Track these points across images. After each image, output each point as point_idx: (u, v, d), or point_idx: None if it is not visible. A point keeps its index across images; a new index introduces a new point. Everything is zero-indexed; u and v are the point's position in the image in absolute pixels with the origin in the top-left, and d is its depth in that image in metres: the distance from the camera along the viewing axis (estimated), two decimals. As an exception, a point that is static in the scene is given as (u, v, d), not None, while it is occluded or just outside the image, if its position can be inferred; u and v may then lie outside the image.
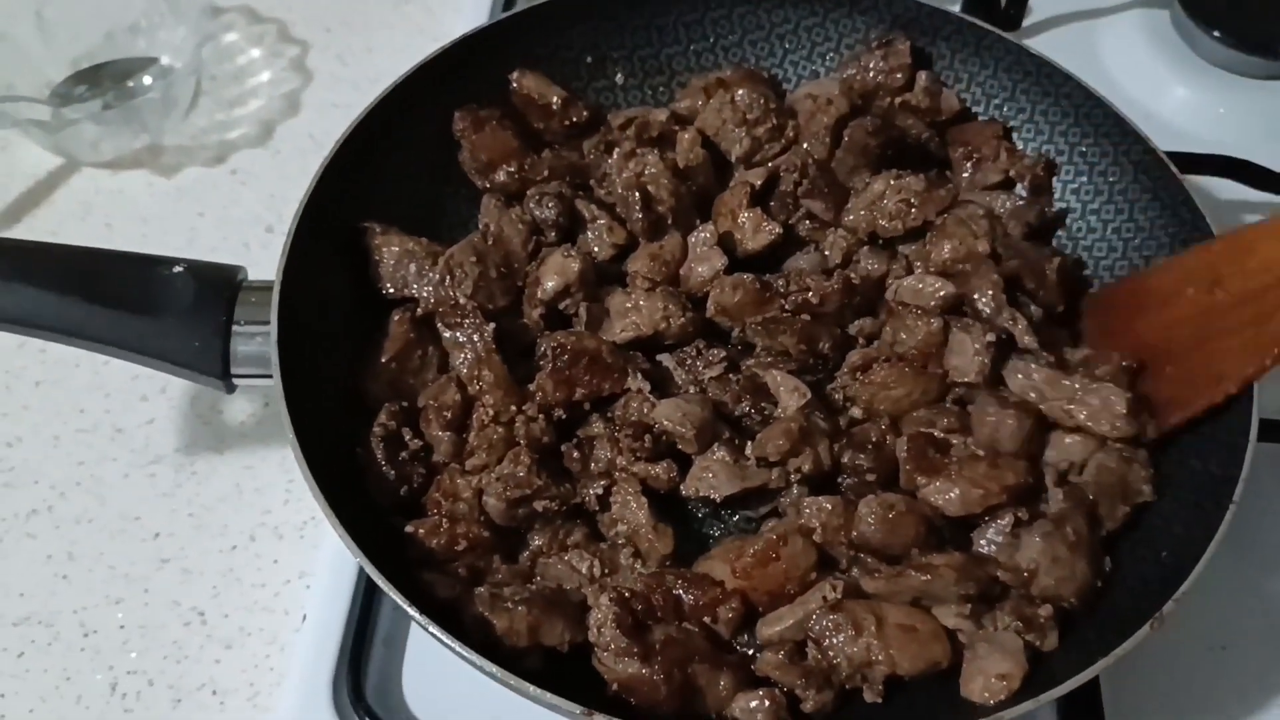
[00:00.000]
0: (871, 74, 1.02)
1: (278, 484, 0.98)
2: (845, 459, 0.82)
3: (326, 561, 0.90)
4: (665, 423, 0.80)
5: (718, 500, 0.80)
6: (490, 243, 0.90)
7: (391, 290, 0.90)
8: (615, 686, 0.72)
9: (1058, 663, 0.74)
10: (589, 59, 1.05)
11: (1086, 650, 0.71)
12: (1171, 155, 0.94)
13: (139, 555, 0.94)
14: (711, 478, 0.81)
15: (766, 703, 0.71)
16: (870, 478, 0.81)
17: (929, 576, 0.75)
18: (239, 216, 1.16)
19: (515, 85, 1.00)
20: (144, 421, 1.02)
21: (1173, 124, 1.19)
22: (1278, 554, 0.93)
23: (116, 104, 1.14)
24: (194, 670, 0.88)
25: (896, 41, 1.03)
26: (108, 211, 1.17)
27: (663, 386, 0.86)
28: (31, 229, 1.14)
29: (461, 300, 0.86)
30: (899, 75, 1.02)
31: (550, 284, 0.87)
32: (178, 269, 0.83)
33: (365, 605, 0.86)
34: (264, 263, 0.85)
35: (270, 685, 0.87)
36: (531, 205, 0.92)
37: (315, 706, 0.82)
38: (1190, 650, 0.88)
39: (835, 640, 0.73)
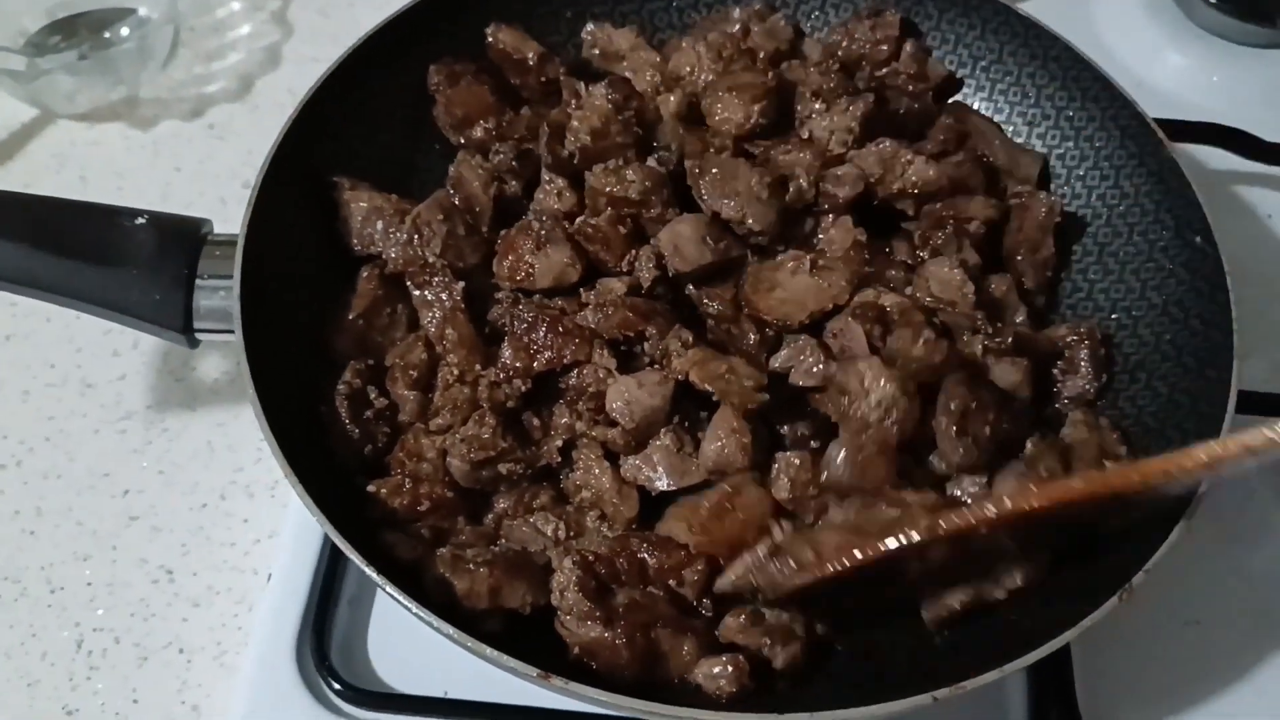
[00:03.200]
0: (857, 44, 1.00)
1: (249, 442, 0.97)
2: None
3: (292, 521, 0.89)
4: (611, 405, 0.78)
5: (653, 494, 0.79)
6: (456, 200, 0.88)
7: (359, 248, 0.88)
8: (577, 650, 0.72)
9: (1026, 632, 0.73)
10: (569, 13, 1.03)
11: (1056, 620, 0.70)
12: (1162, 122, 0.92)
13: (108, 512, 0.93)
14: (649, 469, 0.79)
15: (730, 668, 0.71)
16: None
17: (899, 512, 0.74)
18: (215, 171, 1.15)
19: (491, 39, 0.98)
20: (115, 377, 1.01)
21: (1166, 91, 1.17)
22: (1252, 529, 0.92)
23: (92, 55, 1.12)
24: (161, 628, 0.88)
25: (886, 12, 1.00)
26: (82, 164, 1.15)
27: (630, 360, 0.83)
28: (4, 181, 1.13)
29: (430, 259, 0.85)
30: (884, 47, 1.00)
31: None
32: (140, 220, 0.81)
33: (331, 566, 0.86)
34: (239, 218, 0.83)
35: (237, 645, 0.87)
36: (492, 156, 0.90)
37: (278, 667, 0.82)
38: (1163, 624, 0.87)
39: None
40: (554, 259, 0.84)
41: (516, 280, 0.85)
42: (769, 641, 0.73)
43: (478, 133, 0.94)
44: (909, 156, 0.89)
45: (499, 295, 0.86)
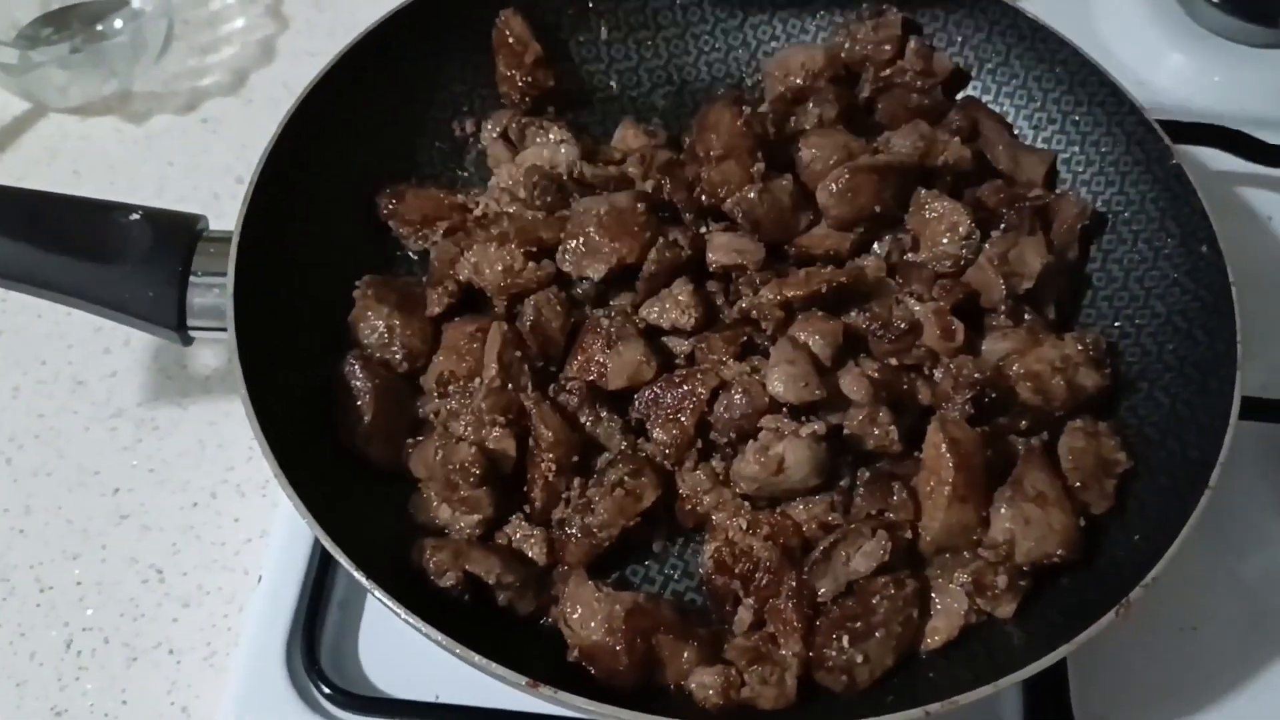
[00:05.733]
0: (859, 45, 0.99)
1: (241, 440, 0.96)
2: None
3: (283, 522, 0.88)
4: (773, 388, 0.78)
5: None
6: (531, 343, 0.85)
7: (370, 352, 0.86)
8: (576, 653, 0.71)
9: (1021, 646, 0.73)
10: (570, 10, 1.01)
11: (1051, 634, 0.69)
12: (1163, 124, 0.91)
13: (97, 510, 0.92)
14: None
15: (719, 679, 0.70)
16: None
17: None
18: (209, 166, 1.13)
19: (501, 21, 0.97)
20: (106, 374, 1.00)
21: (1167, 91, 1.16)
22: (1251, 535, 0.92)
23: (85, 48, 1.11)
24: (150, 629, 0.87)
25: (888, 12, 0.99)
26: (75, 158, 1.14)
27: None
28: (-4, 174, 1.12)
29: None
30: (887, 47, 0.99)
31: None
32: (134, 216, 0.80)
33: (322, 568, 0.85)
34: (233, 214, 0.82)
35: (228, 645, 0.86)
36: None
37: (268, 670, 0.81)
38: (1160, 631, 0.87)
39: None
40: (627, 357, 0.82)
41: (588, 381, 0.83)
42: (760, 673, 0.72)
43: (440, 230, 0.92)
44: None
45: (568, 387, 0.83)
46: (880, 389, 0.79)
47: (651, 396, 0.81)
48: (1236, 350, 0.78)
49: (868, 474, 0.78)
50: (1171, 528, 0.71)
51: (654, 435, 0.81)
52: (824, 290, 0.82)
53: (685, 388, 0.80)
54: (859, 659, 0.72)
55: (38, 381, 0.99)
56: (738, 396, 0.79)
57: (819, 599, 0.74)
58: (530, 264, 0.85)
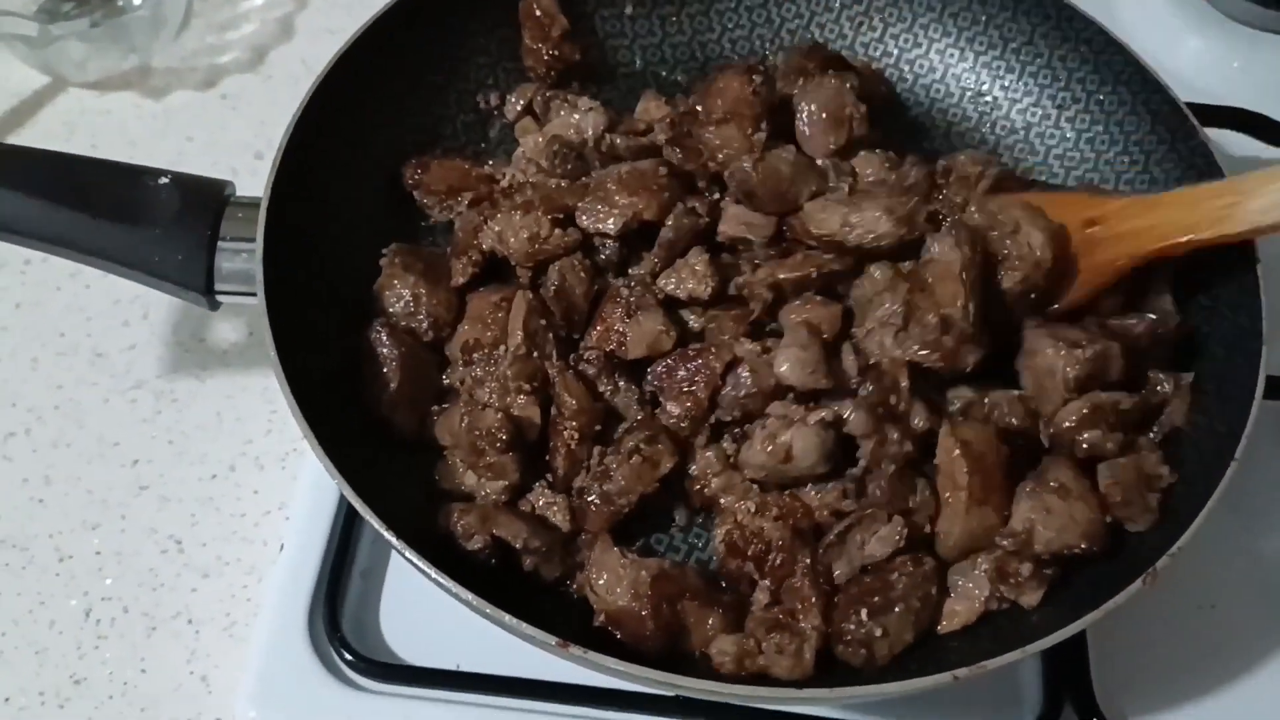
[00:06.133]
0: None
1: (260, 413, 0.96)
2: None
3: (306, 490, 0.88)
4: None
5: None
6: (555, 310, 0.85)
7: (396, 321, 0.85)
8: (603, 618, 0.71)
9: (1043, 616, 0.73)
10: (592, -3, 1.02)
11: (1076, 604, 0.69)
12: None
13: (117, 481, 0.92)
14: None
15: (734, 647, 0.70)
16: None
17: None
18: (228, 142, 1.13)
19: None
20: (125, 346, 1.00)
21: (1185, 76, 1.15)
22: (1270, 515, 0.92)
23: (105, 22, 1.11)
24: (169, 598, 0.87)
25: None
26: (93, 132, 1.14)
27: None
28: (15, 148, 1.11)
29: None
30: None
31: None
32: (164, 180, 0.80)
33: (344, 537, 0.85)
34: (251, 190, 0.83)
35: (247, 616, 0.86)
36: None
37: (290, 638, 0.81)
38: (1178, 607, 0.87)
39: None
40: (646, 327, 0.82)
41: (607, 350, 0.83)
42: (778, 641, 0.71)
43: (465, 201, 0.91)
44: None
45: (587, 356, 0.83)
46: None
47: (665, 370, 0.81)
48: (1261, 324, 0.78)
49: (892, 467, 0.77)
50: (1198, 499, 0.71)
51: (667, 407, 0.81)
52: (814, 275, 0.81)
53: (699, 361, 0.80)
54: (878, 632, 0.71)
55: (57, 354, 0.99)
56: (745, 376, 0.79)
57: (835, 579, 0.74)
58: (556, 230, 0.84)
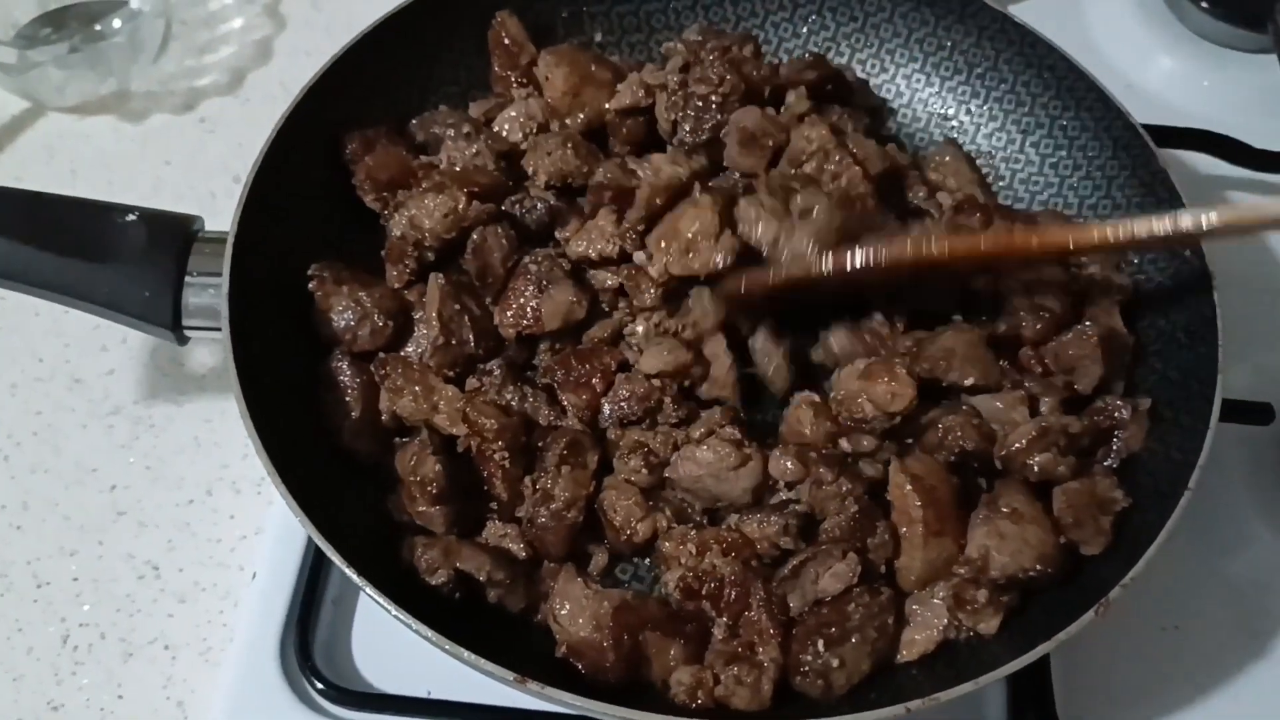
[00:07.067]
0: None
1: (236, 438, 0.97)
2: None
3: (277, 519, 0.89)
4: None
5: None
6: (472, 272, 0.87)
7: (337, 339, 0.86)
8: (564, 649, 0.72)
9: (1001, 644, 0.73)
10: (565, 12, 1.02)
11: (1032, 632, 0.70)
12: (1151, 128, 0.92)
13: (94, 506, 0.93)
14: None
15: (692, 679, 0.71)
16: None
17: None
18: (206, 165, 1.14)
19: (497, 22, 0.98)
20: (103, 372, 1.01)
21: (1156, 95, 1.17)
22: (1233, 534, 0.93)
23: (83, 47, 1.11)
24: (146, 624, 0.88)
25: None
26: (72, 157, 1.15)
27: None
28: (-6, 173, 1.12)
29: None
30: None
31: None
32: (131, 217, 0.81)
33: (315, 565, 0.86)
34: (230, 213, 0.83)
35: (222, 641, 0.87)
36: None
37: (262, 665, 0.82)
38: (1142, 629, 0.88)
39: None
40: (558, 299, 0.84)
41: (522, 327, 0.84)
42: (736, 673, 0.72)
43: (400, 195, 0.90)
44: None
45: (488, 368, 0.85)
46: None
47: (561, 369, 0.84)
48: (1218, 353, 0.79)
49: (855, 508, 0.77)
50: (1151, 529, 0.72)
51: (565, 400, 0.83)
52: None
53: (592, 363, 0.83)
54: (835, 663, 0.72)
55: (35, 379, 1.00)
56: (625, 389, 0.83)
57: (790, 612, 0.75)
58: (475, 203, 0.86)
